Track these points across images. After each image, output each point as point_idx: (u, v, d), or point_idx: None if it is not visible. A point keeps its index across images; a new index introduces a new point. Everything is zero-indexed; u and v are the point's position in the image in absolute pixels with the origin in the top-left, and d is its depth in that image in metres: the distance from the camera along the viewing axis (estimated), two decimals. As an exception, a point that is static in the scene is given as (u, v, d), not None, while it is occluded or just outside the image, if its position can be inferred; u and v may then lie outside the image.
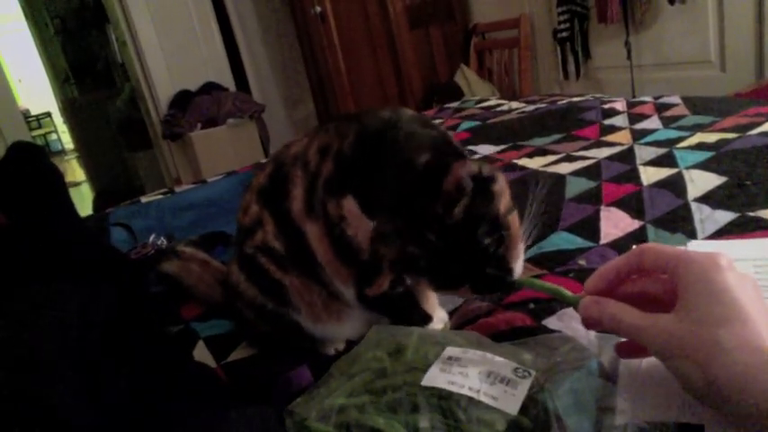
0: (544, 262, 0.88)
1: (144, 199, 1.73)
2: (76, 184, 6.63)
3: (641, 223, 0.95)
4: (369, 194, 0.65)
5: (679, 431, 0.53)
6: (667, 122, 1.43)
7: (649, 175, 1.12)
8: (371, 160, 0.66)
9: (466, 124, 1.86)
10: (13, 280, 0.84)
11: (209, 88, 3.84)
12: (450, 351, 0.63)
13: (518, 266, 0.64)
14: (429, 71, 3.61)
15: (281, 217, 0.73)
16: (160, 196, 1.72)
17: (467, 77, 3.42)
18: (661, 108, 1.56)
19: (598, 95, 1.92)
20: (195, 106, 3.69)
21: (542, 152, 1.42)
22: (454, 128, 1.85)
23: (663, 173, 1.11)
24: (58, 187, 1.07)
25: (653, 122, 1.46)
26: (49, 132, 9.00)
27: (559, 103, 1.88)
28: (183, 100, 3.75)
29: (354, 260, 0.69)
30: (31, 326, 0.70)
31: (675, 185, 1.04)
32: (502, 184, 0.64)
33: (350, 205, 0.66)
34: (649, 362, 0.60)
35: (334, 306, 0.75)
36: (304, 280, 0.74)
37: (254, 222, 0.76)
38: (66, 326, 0.70)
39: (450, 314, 0.82)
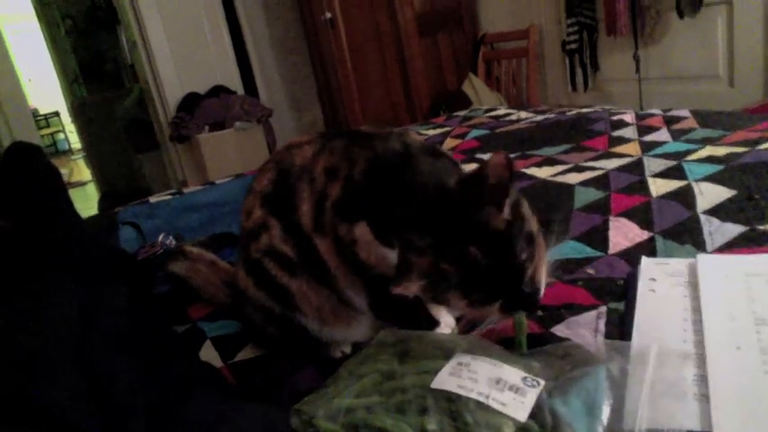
0: (553, 270, 0.88)
1: (152, 199, 1.74)
2: (82, 184, 6.65)
3: (650, 234, 0.95)
4: (387, 222, 0.66)
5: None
6: (677, 135, 1.43)
7: (658, 187, 1.12)
8: (390, 190, 0.67)
9: (475, 133, 1.87)
10: (14, 280, 0.84)
11: (218, 91, 3.85)
12: (461, 357, 0.63)
13: (543, 287, 0.65)
14: (437, 79, 3.61)
15: (290, 226, 0.73)
16: (169, 197, 1.73)
17: (474, 86, 3.43)
18: (670, 121, 1.56)
19: (607, 107, 1.93)
20: (203, 109, 3.70)
21: (551, 162, 1.43)
22: (463, 136, 1.86)
23: (672, 185, 1.11)
24: (58, 187, 1.07)
25: (662, 135, 1.47)
26: (57, 132, 9.05)
27: (568, 113, 1.88)
28: (191, 102, 3.76)
29: (365, 274, 0.70)
30: (30, 326, 0.70)
31: (685, 197, 1.05)
32: (527, 209, 0.65)
33: (362, 231, 0.67)
34: (658, 370, 0.60)
35: (342, 311, 0.76)
36: (314, 284, 0.74)
37: (259, 226, 0.76)
38: (65, 326, 0.70)
39: (458, 320, 0.82)
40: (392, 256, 0.66)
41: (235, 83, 4.03)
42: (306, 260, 0.73)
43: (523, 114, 2.03)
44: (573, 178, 1.27)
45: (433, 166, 0.68)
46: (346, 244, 0.69)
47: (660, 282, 0.78)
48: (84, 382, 0.63)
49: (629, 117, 1.67)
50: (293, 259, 0.73)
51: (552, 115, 1.91)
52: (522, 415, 0.56)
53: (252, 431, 0.61)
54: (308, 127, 4.41)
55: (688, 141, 1.36)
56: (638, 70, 2.87)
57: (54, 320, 0.71)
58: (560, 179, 1.29)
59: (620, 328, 0.72)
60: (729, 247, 0.86)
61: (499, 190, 0.60)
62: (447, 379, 0.60)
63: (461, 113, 2.27)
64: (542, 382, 0.60)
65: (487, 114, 2.16)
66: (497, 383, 0.59)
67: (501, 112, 2.17)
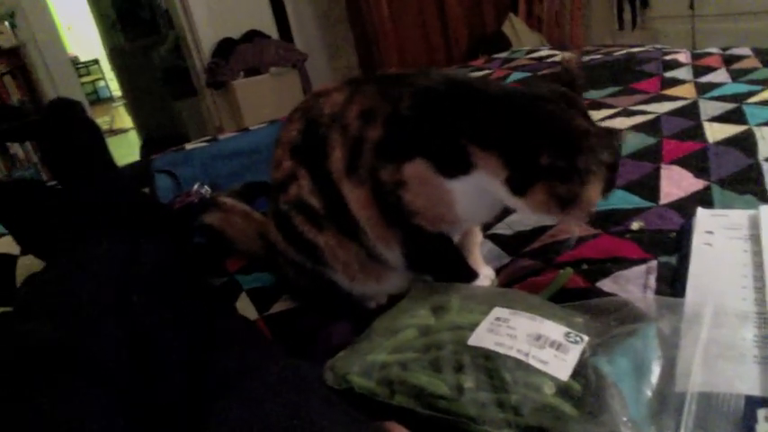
0: (599, 222, 0.83)
1: (188, 146, 1.73)
2: (124, 131, 6.73)
3: (706, 183, 0.89)
4: (454, 151, 0.63)
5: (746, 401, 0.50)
6: (736, 76, 1.34)
7: (715, 132, 1.05)
8: (460, 112, 0.64)
9: (516, 75, 1.79)
10: (60, 237, 0.86)
11: (252, 36, 3.80)
12: (499, 312, 0.60)
13: None
14: (476, 21, 3.49)
15: (320, 178, 0.71)
16: (204, 144, 1.72)
17: (515, 27, 3.29)
18: (729, 60, 1.46)
19: (658, 46, 1.81)
20: (238, 54, 3.66)
21: (597, 105, 1.35)
22: (504, 79, 1.78)
23: (730, 130, 1.04)
24: (97, 142, 1.09)
25: (720, 75, 1.37)
26: (98, 79, 9.14)
27: (616, 54, 1.78)
28: (225, 48, 3.73)
29: (403, 223, 0.67)
30: (76, 281, 0.72)
31: (744, 143, 0.97)
32: None
33: (416, 169, 0.64)
34: (714, 330, 0.56)
35: (371, 266, 0.74)
36: (341, 239, 0.72)
37: (287, 176, 0.74)
38: (108, 282, 0.71)
39: (498, 271, 0.79)
40: (457, 187, 0.64)
41: (269, 27, 3.97)
42: (333, 214, 0.70)
43: (567, 55, 1.92)
44: (621, 123, 1.20)
45: (493, 82, 0.68)
46: (389, 189, 0.66)
47: (717, 235, 0.72)
48: (126, 338, 0.64)
49: (683, 57, 1.57)
50: (320, 213, 0.71)
51: (598, 56, 1.81)
52: (563, 374, 0.53)
53: (281, 385, 0.59)
54: (342, 71, 4.33)
55: (749, 82, 1.27)
56: (691, 6, 2.70)
57: (98, 276, 0.72)
58: (607, 124, 1.22)
59: (672, 284, 0.68)
60: (794, 197, 0.80)
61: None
62: (485, 336, 0.57)
63: (502, 55, 2.18)
64: (586, 339, 0.57)
65: (529, 56, 2.06)
66: (537, 340, 0.56)
67: (543, 53, 2.06)
